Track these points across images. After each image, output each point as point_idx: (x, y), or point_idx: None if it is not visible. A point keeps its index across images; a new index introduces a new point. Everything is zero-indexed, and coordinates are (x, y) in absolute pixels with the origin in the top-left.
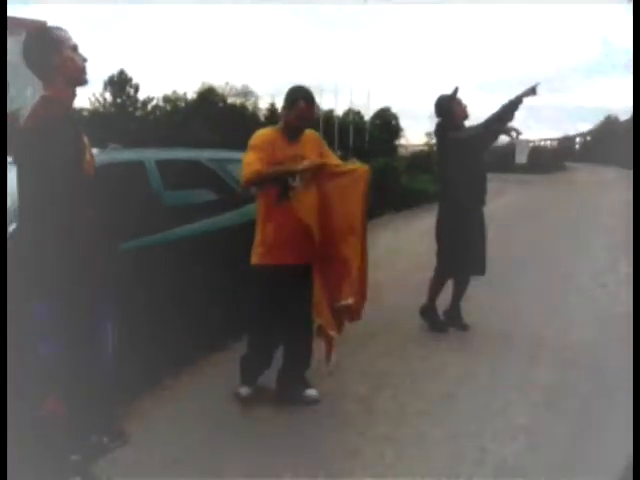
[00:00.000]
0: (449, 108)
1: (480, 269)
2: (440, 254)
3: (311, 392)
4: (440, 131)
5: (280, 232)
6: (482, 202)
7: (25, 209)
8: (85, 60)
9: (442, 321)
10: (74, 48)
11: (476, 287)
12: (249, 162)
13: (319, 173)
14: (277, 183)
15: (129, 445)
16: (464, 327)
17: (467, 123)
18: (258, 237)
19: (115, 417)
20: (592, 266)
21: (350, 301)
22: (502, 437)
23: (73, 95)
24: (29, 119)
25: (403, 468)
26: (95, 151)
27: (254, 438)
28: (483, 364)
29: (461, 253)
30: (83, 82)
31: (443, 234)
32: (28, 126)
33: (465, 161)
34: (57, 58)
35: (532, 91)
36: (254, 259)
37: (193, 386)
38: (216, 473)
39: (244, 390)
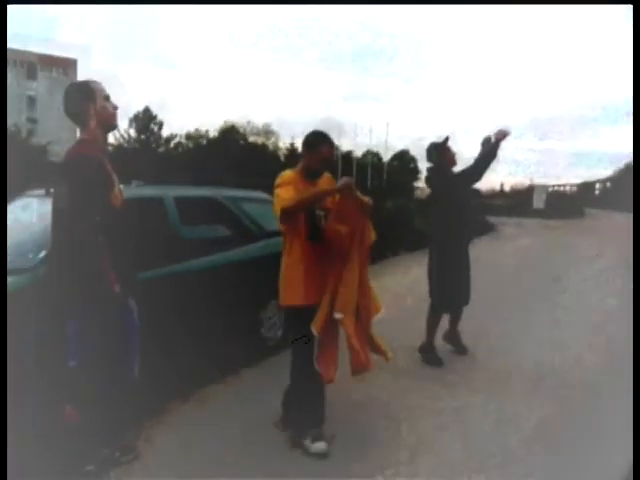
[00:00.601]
0: (440, 154)
1: (465, 300)
2: (432, 292)
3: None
4: (431, 175)
5: (312, 272)
6: (467, 240)
7: (58, 235)
8: (116, 108)
9: (439, 358)
10: (107, 98)
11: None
12: (282, 195)
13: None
14: (308, 219)
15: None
16: (463, 350)
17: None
18: (289, 278)
19: (127, 433)
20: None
21: (339, 315)
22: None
23: (106, 138)
24: (68, 156)
25: None
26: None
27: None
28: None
29: (450, 288)
30: (113, 127)
31: (434, 273)
32: (67, 162)
33: (452, 202)
34: (93, 108)
35: (502, 134)
36: (287, 300)
37: (202, 409)
38: None
39: (321, 445)
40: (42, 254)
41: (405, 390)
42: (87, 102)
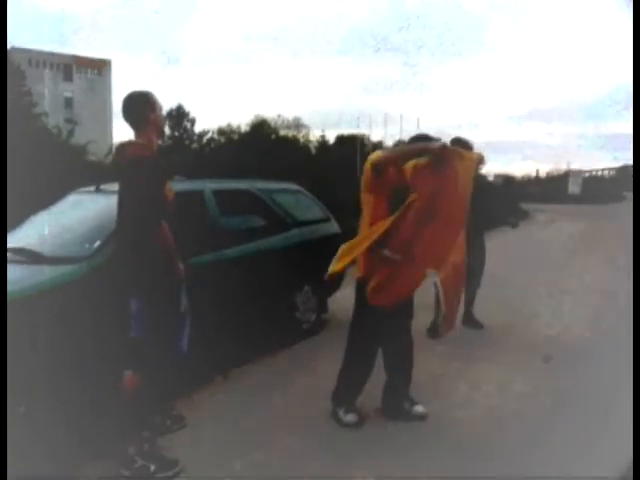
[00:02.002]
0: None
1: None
2: None
3: (419, 408)
4: None
5: None
6: (479, 229)
7: (124, 226)
8: (166, 119)
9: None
10: (160, 109)
11: None
12: (371, 156)
13: None
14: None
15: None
16: (479, 325)
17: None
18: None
19: (177, 403)
20: None
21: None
22: None
23: (157, 143)
24: (123, 157)
25: None
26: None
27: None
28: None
29: None
30: (163, 135)
31: None
32: (123, 162)
33: None
34: (152, 115)
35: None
36: (376, 300)
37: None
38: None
39: (350, 417)
40: (97, 244)
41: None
42: (147, 111)
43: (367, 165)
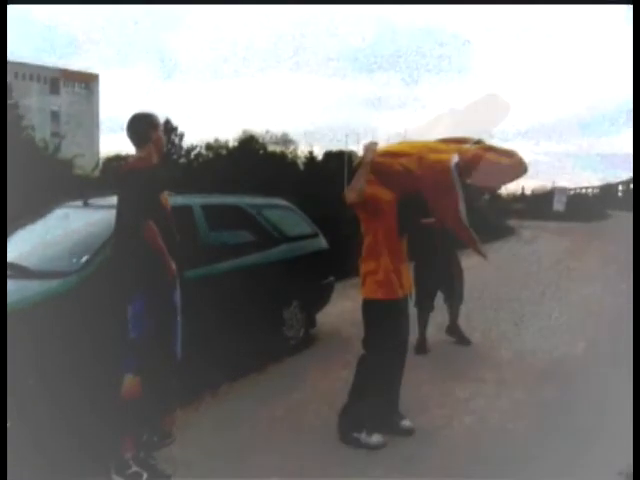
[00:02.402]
0: None
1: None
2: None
3: (406, 422)
4: None
5: (399, 265)
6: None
7: (121, 230)
8: (166, 139)
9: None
10: (161, 129)
11: None
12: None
13: None
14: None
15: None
16: (466, 341)
17: None
18: (376, 270)
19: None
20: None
21: None
22: None
23: (157, 159)
24: (126, 168)
25: None
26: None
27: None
28: None
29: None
30: (163, 153)
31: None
32: (125, 173)
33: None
34: (154, 135)
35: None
36: (375, 294)
37: (229, 398)
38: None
39: (377, 438)
40: (84, 258)
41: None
42: (150, 130)
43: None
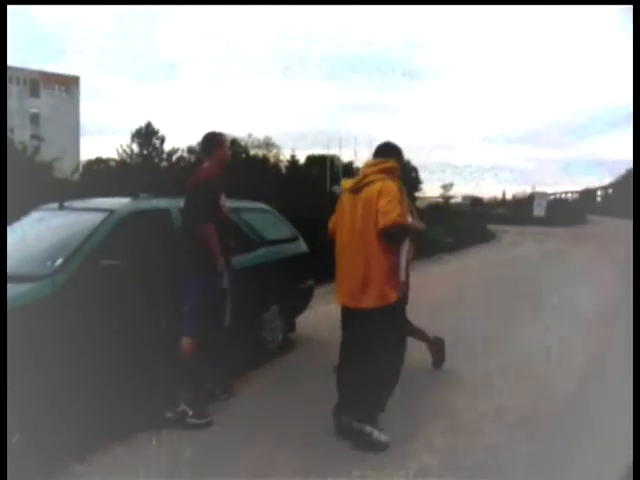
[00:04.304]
0: None
1: None
2: None
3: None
4: None
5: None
6: None
7: (186, 227)
8: (230, 154)
9: None
10: (228, 146)
11: None
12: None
13: None
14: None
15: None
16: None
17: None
18: (394, 277)
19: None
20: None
21: None
22: None
23: (220, 171)
24: (199, 178)
25: None
26: (127, 200)
27: None
28: None
29: None
30: (226, 165)
31: None
32: (196, 181)
33: None
34: (220, 151)
35: None
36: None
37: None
38: None
39: (386, 436)
40: (59, 262)
41: None
42: (217, 147)
43: (388, 220)
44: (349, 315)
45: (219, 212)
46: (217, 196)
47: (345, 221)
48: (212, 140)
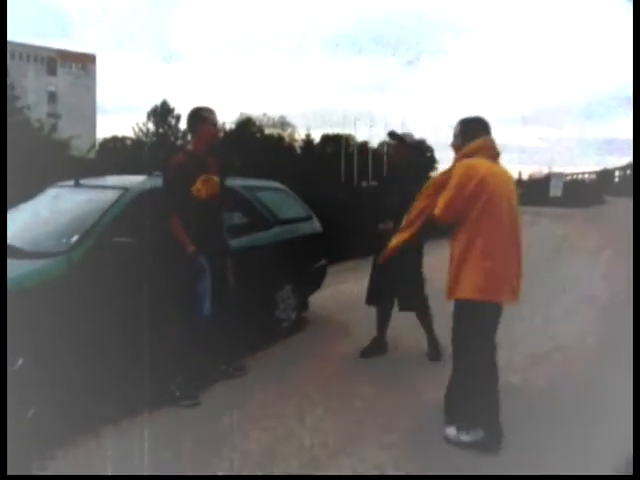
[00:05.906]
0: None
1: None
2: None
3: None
4: None
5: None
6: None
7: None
8: (220, 130)
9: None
10: (214, 124)
11: None
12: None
13: None
14: None
15: None
16: (435, 356)
17: None
18: (479, 270)
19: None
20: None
21: None
22: None
23: (206, 150)
24: (175, 159)
25: None
26: (142, 178)
27: None
28: None
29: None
30: (213, 143)
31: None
32: (166, 168)
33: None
34: (202, 129)
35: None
36: (474, 295)
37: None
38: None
39: (458, 432)
40: (74, 239)
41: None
42: (200, 124)
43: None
44: (498, 312)
45: (191, 199)
46: (189, 182)
47: (494, 203)
48: (194, 117)
